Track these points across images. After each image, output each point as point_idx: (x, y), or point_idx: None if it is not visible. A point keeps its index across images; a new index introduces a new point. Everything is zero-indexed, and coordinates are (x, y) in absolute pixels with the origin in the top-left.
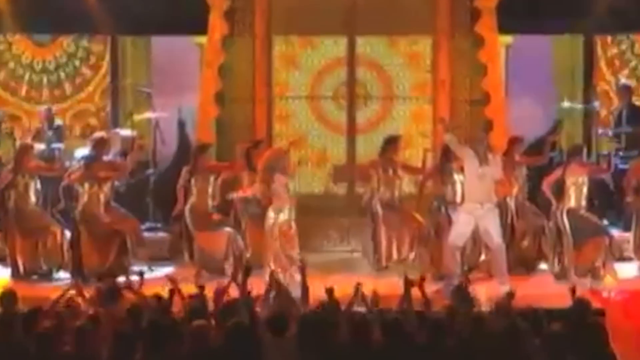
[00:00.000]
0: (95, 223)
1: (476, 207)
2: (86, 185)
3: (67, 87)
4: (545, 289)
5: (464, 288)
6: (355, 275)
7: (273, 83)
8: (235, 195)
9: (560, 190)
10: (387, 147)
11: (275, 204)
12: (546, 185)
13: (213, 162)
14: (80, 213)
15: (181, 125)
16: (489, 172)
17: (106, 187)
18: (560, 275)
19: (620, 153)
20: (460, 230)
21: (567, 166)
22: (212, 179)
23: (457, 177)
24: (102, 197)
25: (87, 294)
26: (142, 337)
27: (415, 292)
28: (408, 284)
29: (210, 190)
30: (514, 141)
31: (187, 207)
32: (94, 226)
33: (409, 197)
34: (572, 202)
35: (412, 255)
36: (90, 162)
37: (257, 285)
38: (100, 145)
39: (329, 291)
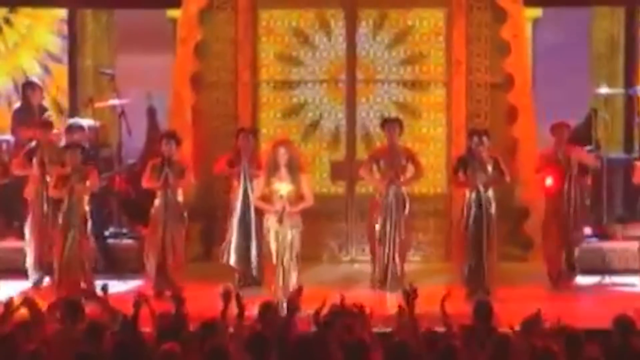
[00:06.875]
0: None
1: None
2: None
3: None
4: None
5: (489, 304)
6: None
7: (258, 65)
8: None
9: None
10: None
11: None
12: None
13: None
14: None
15: (151, 113)
16: None
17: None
18: None
19: None
20: None
21: None
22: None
23: None
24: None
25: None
26: None
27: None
28: (408, 296)
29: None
30: (559, 129)
31: (154, 207)
32: None
33: None
34: None
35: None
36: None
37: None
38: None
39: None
